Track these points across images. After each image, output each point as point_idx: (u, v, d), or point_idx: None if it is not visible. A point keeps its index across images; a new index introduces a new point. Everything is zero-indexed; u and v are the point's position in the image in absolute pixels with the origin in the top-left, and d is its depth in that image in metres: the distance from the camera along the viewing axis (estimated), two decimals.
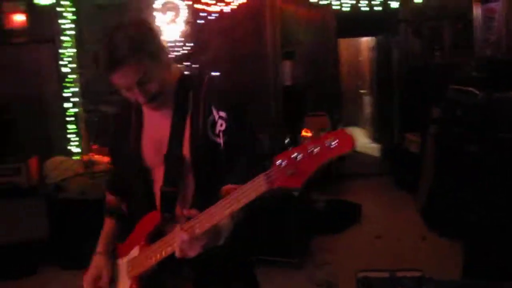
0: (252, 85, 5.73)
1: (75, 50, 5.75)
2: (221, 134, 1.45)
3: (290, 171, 1.12)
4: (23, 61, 6.09)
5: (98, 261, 1.68)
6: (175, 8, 5.70)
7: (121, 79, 1.44)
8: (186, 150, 1.49)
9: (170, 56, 1.60)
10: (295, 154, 1.12)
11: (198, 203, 1.44)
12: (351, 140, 1.14)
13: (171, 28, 5.78)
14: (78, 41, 5.83)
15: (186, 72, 1.66)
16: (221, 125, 1.45)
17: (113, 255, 1.69)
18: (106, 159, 4.87)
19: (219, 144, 1.46)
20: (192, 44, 5.58)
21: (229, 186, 1.37)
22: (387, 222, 4.58)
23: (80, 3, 5.79)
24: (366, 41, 8.65)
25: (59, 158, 5.29)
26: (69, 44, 5.77)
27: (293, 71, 5.93)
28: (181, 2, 5.63)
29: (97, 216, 3.98)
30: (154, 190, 1.57)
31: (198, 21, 5.66)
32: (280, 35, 5.69)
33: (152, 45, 1.46)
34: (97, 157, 5.50)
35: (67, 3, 5.65)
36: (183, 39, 5.71)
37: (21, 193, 4.00)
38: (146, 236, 1.52)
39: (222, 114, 1.46)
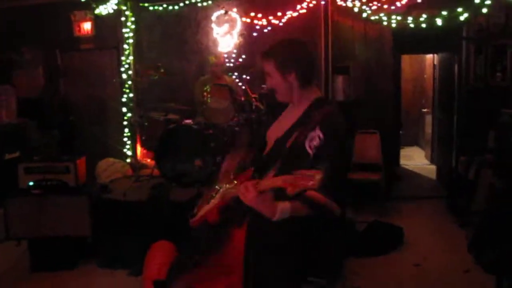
0: None
1: (132, 58, 6.01)
2: (313, 148, 1.87)
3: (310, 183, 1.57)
4: (89, 66, 6.49)
5: None
6: (231, 21, 5.81)
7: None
8: (288, 144, 1.96)
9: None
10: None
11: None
12: None
13: (226, 39, 5.89)
14: (137, 49, 6.11)
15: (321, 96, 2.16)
16: (316, 141, 1.87)
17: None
18: (152, 163, 5.04)
19: (309, 154, 1.87)
20: (244, 56, 5.64)
21: (311, 193, 1.74)
22: (430, 250, 4.31)
23: (141, 13, 6.05)
24: (431, 58, 8.30)
25: (111, 160, 5.55)
26: (129, 52, 6.05)
27: (345, 86, 5.80)
28: (237, 15, 5.73)
29: (135, 218, 4.16)
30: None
31: (252, 34, 5.72)
32: (333, 50, 5.61)
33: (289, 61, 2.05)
34: (145, 161, 5.71)
35: (129, 13, 5.94)
36: (236, 51, 5.79)
37: (69, 190, 4.21)
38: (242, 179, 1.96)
39: (321, 135, 1.86)
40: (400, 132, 7.74)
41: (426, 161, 8.19)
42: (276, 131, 2.14)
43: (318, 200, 1.78)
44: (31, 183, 4.19)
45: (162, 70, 5.00)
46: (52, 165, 4.26)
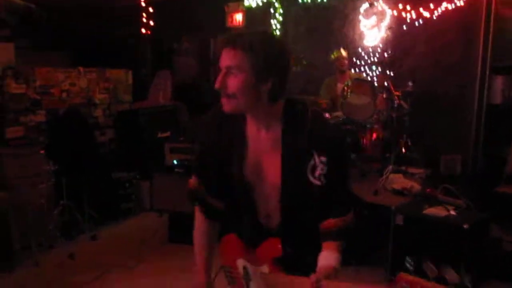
0: (453, 100, 5.23)
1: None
2: (321, 177, 1.52)
3: None
4: None
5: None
6: (380, 13, 5.55)
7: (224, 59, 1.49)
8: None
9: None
10: None
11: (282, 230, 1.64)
12: None
13: (373, 33, 5.67)
14: (283, 39, 6.21)
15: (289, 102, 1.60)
16: (322, 169, 1.52)
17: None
18: None
19: (318, 186, 1.53)
20: (390, 51, 5.35)
21: (330, 220, 1.58)
22: None
23: (289, 6, 6.12)
24: None
25: None
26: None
27: (505, 88, 5.15)
28: (386, 7, 5.45)
29: None
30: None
31: (401, 27, 5.40)
32: (492, 47, 5.01)
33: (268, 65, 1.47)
34: None
35: (278, 5, 6.05)
36: (382, 45, 5.53)
37: None
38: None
39: (323, 159, 1.51)
40: None
41: None
42: (254, 163, 1.59)
43: (337, 228, 1.58)
44: (175, 162, 4.56)
45: (304, 62, 5.01)
46: (194, 147, 4.59)
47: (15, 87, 4.87)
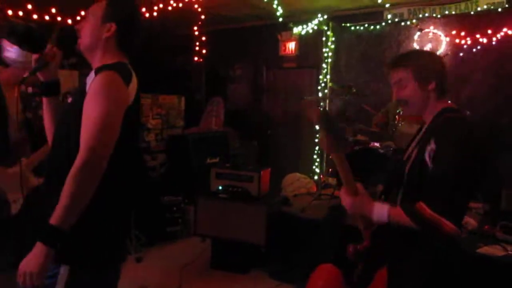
0: None
1: (329, 77, 6.08)
2: (431, 160, 1.68)
3: None
4: (289, 83, 6.82)
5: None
6: (435, 40, 5.38)
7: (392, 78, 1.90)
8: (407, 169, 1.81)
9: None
10: None
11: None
12: None
13: None
14: (335, 69, 6.16)
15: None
16: (432, 151, 1.69)
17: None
18: (335, 182, 4.99)
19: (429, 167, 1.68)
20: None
21: (421, 203, 1.63)
22: None
23: (341, 33, 6.08)
24: None
25: (297, 175, 5.68)
26: (326, 71, 6.14)
27: None
28: (442, 34, 5.28)
29: (309, 235, 4.15)
30: None
31: (458, 55, 5.19)
32: None
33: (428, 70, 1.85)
34: (330, 180, 5.68)
35: (330, 33, 6.03)
36: None
37: (250, 198, 4.45)
38: None
39: (433, 145, 1.68)
40: None
41: None
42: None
43: (422, 212, 1.61)
44: (220, 187, 4.57)
45: (354, 90, 4.92)
46: (239, 173, 4.58)
47: None
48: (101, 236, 1.68)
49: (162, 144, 6.17)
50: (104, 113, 1.59)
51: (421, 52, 2.07)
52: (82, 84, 1.74)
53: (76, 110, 1.64)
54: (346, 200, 1.76)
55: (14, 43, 1.48)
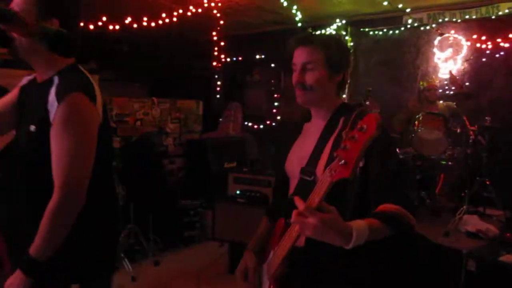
0: None
1: (348, 82, 6.05)
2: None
3: (342, 161, 1.17)
4: None
5: (246, 256, 1.83)
6: (456, 45, 5.33)
7: (300, 56, 1.60)
8: (319, 169, 1.53)
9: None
10: (344, 145, 1.17)
11: None
12: (374, 122, 1.12)
13: (448, 65, 5.43)
14: (353, 73, 6.12)
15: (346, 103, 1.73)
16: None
17: (260, 256, 1.80)
18: None
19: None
20: (467, 83, 5.08)
21: (387, 204, 1.41)
22: None
23: (360, 38, 6.06)
24: None
25: None
26: None
27: None
28: (463, 38, 5.22)
29: None
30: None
31: (479, 59, 5.12)
32: None
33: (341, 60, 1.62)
34: None
35: (348, 38, 6.01)
36: (458, 77, 5.26)
37: (268, 203, 4.44)
38: (277, 240, 1.62)
39: None
40: None
41: None
42: (297, 157, 1.66)
43: (392, 211, 1.39)
44: (237, 192, 4.57)
45: (369, 95, 4.90)
46: (256, 178, 4.57)
47: None
48: (95, 249, 1.69)
49: (180, 149, 6.21)
50: (78, 144, 1.54)
51: (334, 38, 1.70)
52: (40, 104, 1.57)
53: (43, 140, 1.55)
54: (309, 221, 1.21)
55: (47, 46, 1.45)
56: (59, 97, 1.53)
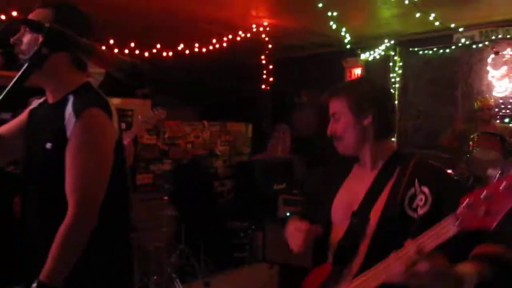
0: None
1: (397, 102, 5.99)
2: (418, 209, 1.43)
3: (482, 211, 1.09)
4: None
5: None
6: (511, 62, 5.16)
7: (330, 108, 1.66)
8: (374, 215, 1.49)
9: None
10: (485, 193, 1.09)
11: (366, 266, 1.42)
12: None
13: (502, 83, 5.26)
14: (403, 93, 6.05)
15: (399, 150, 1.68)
16: (421, 200, 1.43)
17: None
18: None
19: (413, 218, 1.42)
20: None
21: (482, 246, 1.32)
22: None
23: (409, 58, 5.99)
24: None
25: None
26: (395, 95, 6.05)
27: None
28: None
29: None
30: (330, 242, 1.63)
31: None
32: None
33: (365, 102, 1.58)
34: None
35: (397, 58, 5.97)
36: None
37: None
38: (318, 286, 1.57)
39: (425, 189, 1.44)
40: None
41: None
42: (346, 202, 1.61)
43: (497, 252, 1.29)
44: (288, 214, 4.58)
45: (418, 114, 4.85)
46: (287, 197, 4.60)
47: (147, 138, 5.41)
48: (107, 272, 1.62)
49: (229, 171, 6.30)
50: (93, 163, 1.51)
51: (361, 80, 1.78)
52: (55, 122, 1.54)
53: (61, 157, 1.51)
54: (420, 265, 1.16)
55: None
56: (77, 112, 1.51)
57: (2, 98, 1.00)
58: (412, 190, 1.45)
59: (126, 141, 2.70)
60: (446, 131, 5.07)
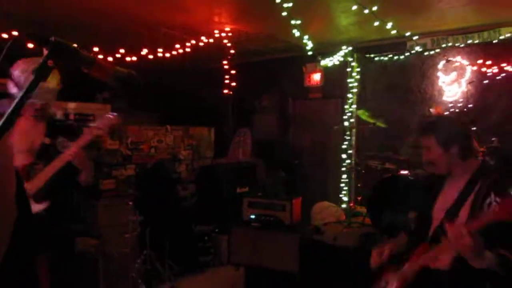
0: None
1: (355, 107, 6.21)
2: None
3: None
4: (315, 114, 6.95)
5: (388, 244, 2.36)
6: (460, 69, 5.48)
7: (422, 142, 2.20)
8: (463, 213, 2.02)
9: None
10: None
11: None
12: None
13: (452, 88, 5.57)
14: (361, 98, 6.28)
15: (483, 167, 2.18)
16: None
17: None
18: (365, 211, 5.02)
19: None
20: (471, 105, 5.19)
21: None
22: None
23: (366, 64, 6.23)
24: None
25: (326, 204, 5.74)
26: (352, 101, 6.27)
27: None
28: (466, 62, 5.37)
29: (341, 263, 4.18)
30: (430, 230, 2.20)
31: (483, 82, 5.26)
32: None
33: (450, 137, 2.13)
34: (359, 208, 5.71)
35: (355, 64, 6.19)
36: (463, 100, 5.40)
37: (283, 227, 4.52)
38: (416, 258, 2.10)
39: (498, 199, 1.92)
40: None
41: None
42: (442, 203, 2.19)
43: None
44: (252, 216, 4.66)
45: (380, 120, 5.05)
46: (271, 202, 4.66)
47: (110, 143, 5.35)
48: None
49: (193, 175, 6.32)
50: None
51: (444, 119, 2.42)
52: None
53: None
54: (465, 240, 1.70)
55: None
56: None
57: (12, 111, 1.03)
58: (488, 200, 1.94)
59: (73, 150, 2.60)
60: (406, 146, 5.29)
